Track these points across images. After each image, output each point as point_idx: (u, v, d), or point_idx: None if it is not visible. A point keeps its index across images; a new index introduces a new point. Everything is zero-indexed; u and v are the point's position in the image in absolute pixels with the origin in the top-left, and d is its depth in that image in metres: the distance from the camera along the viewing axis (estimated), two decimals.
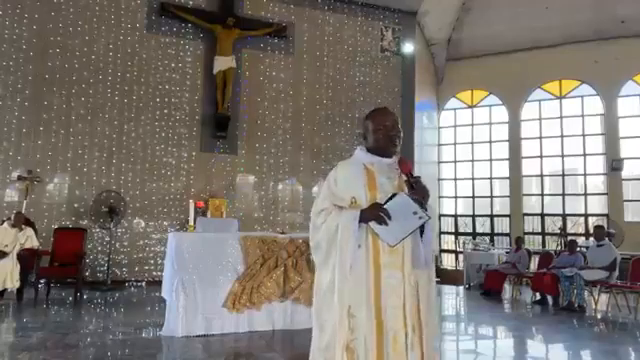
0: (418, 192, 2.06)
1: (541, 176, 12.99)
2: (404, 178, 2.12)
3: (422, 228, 2.13)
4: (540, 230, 12.79)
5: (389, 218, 2.02)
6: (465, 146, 13.92)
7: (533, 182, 13.40)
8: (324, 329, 2.16)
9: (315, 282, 2.25)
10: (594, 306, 7.53)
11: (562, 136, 12.75)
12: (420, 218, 2.03)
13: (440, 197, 14.08)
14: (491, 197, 13.53)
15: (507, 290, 9.37)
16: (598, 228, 8.35)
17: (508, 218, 13.09)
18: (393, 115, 2.27)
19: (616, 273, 7.54)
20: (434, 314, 2.23)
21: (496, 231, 13.26)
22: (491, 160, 13.54)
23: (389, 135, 2.22)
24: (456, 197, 13.99)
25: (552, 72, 12.65)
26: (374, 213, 2.05)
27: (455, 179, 14.00)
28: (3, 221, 7.33)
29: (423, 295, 2.14)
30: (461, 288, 10.37)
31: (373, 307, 2.05)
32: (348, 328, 2.06)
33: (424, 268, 2.15)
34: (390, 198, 2.06)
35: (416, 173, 2.21)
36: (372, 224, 2.06)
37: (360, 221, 2.08)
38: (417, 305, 2.12)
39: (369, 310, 2.05)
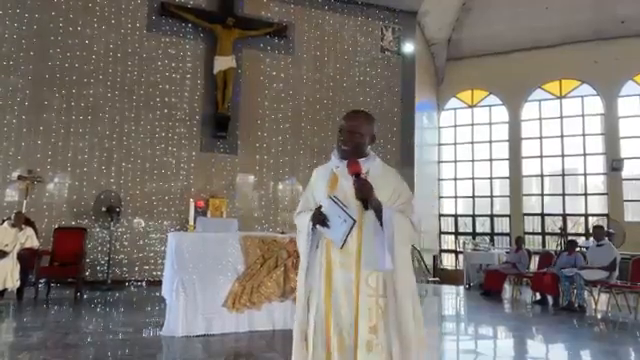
0: (358, 191, 2.08)
1: (541, 176, 13.00)
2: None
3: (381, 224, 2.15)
4: (540, 230, 12.80)
5: (328, 220, 2.11)
6: (465, 146, 13.93)
7: (533, 182, 13.41)
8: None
9: None
10: (594, 306, 7.52)
11: (562, 136, 12.76)
12: (344, 222, 2.06)
13: (440, 197, 14.09)
14: (491, 197, 13.53)
15: (507, 290, 9.37)
16: (598, 228, 8.35)
17: (508, 218, 13.10)
18: (353, 118, 2.27)
19: (616, 273, 7.54)
20: (414, 319, 2.13)
21: (496, 231, 13.26)
22: (491, 160, 13.55)
23: (340, 139, 2.26)
24: (456, 197, 13.99)
25: (552, 72, 12.66)
26: (315, 217, 2.16)
27: (455, 179, 14.01)
28: (3, 221, 7.33)
29: (393, 297, 2.10)
30: (461, 288, 10.37)
31: (323, 305, 2.12)
32: (306, 321, 2.19)
33: (384, 269, 2.09)
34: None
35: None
36: (318, 227, 2.16)
37: (313, 224, 2.19)
38: (384, 307, 2.10)
39: (320, 307, 2.13)
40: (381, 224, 2.10)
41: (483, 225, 13.53)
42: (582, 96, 12.68)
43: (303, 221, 2.26)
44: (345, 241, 2.09)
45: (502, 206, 13.44)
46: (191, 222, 6.20)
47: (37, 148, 8.86)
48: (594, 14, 11.75)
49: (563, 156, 12.77)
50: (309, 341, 2.15)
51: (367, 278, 2.10)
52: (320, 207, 2.16)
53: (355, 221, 2.06)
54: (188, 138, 9.84)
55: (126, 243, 9.19)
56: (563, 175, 12.85)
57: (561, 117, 12.81)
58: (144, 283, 9.01)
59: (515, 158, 13.10)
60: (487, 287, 9.06)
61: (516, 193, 13.03)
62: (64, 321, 5.86)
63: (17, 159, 8.73)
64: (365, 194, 2.07)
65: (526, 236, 12.32)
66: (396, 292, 2.11)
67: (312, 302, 2.19)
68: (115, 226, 8.91)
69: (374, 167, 2.22)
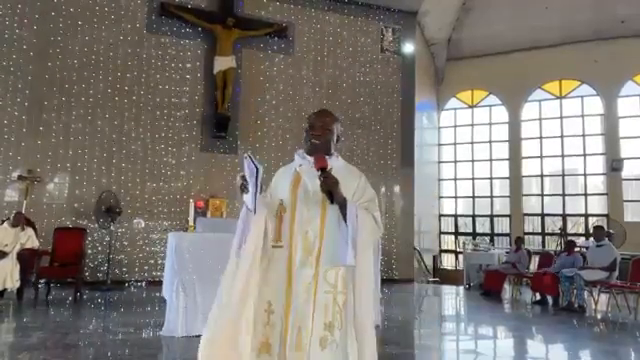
0: (324, 184, 2.04)
1: (541, 176, 13.00)
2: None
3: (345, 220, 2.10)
4: (540, 230, 12.80)
5: (247, 183, 2.09)
6: (465, 146, 13.93)
7: (533, 182, 13.41)
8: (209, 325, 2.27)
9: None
10: (594, 306, 7.53)
11: (562, 136, 12.76)
12: (254, 171, 2.04)
13: (440, 197, 14.09)
14: (491, 197, 13.54)
15: (507, 290, 9.37)
16: (598, 228, 8.35)
17: (508, 218, 13.10)
18: (324, 115, 2.31)
19: (616, 273, 7.54)
20: (368, 314, 2.10)
21: (496, 231, 13.27)
22: (491, 160, 13.55)
23: (310, 134, 2.27)
24: (456, 197, 14.00)
25: (552, 72, 12.66)
26: (236, 185, 2.14)
27: (455, 179, 14.01)
28: (3, 221, 7.33)
29: (352, 294, 2.08)
30: (461, 288, 10.38)
31: (284, 304, 2.07)
32: (267, 324, 2.09)
33: (346, 264, 2.04)
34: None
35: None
36: (244, 198, 2.13)
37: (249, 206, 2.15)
38: (342, 304, 2.06)
39: (281, 307, 2.08)
40: (344, 220, 2.06)
41: (483, 225, 13.53)
42: (582, 96, 12.68)
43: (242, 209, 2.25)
44: (255, 204, 2.07)
45: (502, 206, 13.45)
46: (191, 222, 6.19)
47: (37, 148, 8.86)
48: (594, 14, 11.75)
49: (563, 156, 12.78)
50: (273, 345, 2.07)
51: (325, 274, 2.06)
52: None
53: (258, 169, 2.04)
54: (188, 138, 9.84)
55: (126, 243, 9.19)
56: (563, 175, 12.86)
57: (561, 117, 12.81)
58: (144, 283, 9.01)
59: (515, 158, 13.10)
60: (487, 287, 9.07)
61: (516, 193, 13.03)
62: (64, 321, 5.86)
63: (17, 159, 8.73)
64: (330, 187, 2.04)
65: (526, 236, 12.32)
66: (355, 288, 2.08)
67: (276, 303, 2.10)
68: (115, 226, 8.91)
69: (338, 165, 2.22)
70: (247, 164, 2.08)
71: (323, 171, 2.07)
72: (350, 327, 2.04)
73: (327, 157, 2.18)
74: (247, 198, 2.11)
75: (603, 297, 7.84)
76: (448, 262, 13.72)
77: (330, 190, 2.04)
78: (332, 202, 2.07)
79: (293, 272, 2.08)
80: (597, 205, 12.45)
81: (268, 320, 2.09)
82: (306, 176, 2.19)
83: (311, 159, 2.19)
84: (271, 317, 2.09)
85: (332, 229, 2.09)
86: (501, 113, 13.55)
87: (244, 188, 2.10)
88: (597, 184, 12.68)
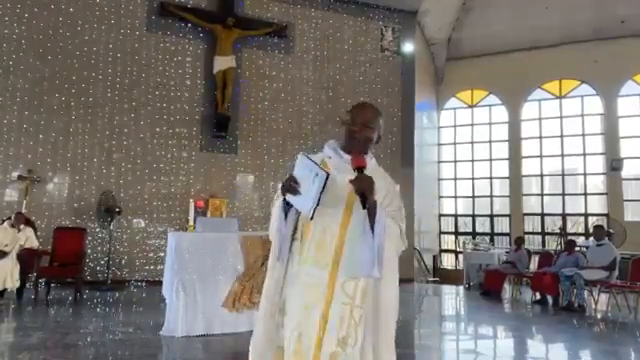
0: (358, 186, 1.83)
1: (541, 176, 13.00)
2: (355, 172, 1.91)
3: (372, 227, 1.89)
4: (540, 230, 12.80)
5: (298, 185, 1.84)
6: (465, 146, 13.93)
7: (533, 182, 13.41)
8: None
9: None
10: (594, 306, 7.53)
11: (562, 136, 12.76)
12: (317, 175, 1.80)
13: (440, 197, 14.09)
14: (491, 197, 13.53)
15: (507, 290, 9.37)
16: (598, 228, 8.36)
17: (508, 218, 13.09)
18: (370, 113, 2.07)
19: (616, 273, 7.55)
20: (391, 335, 1.95)
21: (496, 231, 13.26)
22: (491, 160, 13.55)
23: (354, 132, 2.04)
24: (456, 197, 13.99)
25: (552, 72, 12.66)
26: (284, 184, 1.88)
27: (455, 179, 14.01)
28: (3, 221, 7.33)
29: (372, 311, 1.90)
30: (461, 288, 10.38)
31: (297, 306, 1.91)
32: (281, 325, 1.93)
33: (370, 275, 1.86)
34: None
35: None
36: (289, 199, 1.89)
37: (285, 202, 1.93)
38: (358, 320, 1.86)
39: (291, 307, 1.93)
40: (371, 226, 1.87)
41: (483, 225, 13.53)
42: (582, 96, 12.68)
43: (275, 207, 2.01)
44: (315, 209, 1.81)
45: (502, 206, 13.44)
46: (191, 222, 6.21)
47: (37, 148, 8.85)
48: (594, 14, 11.75)
49: (563, 156, 12.77)
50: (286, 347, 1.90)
51: (344, 284, 1.86)
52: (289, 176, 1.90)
53: (329, 174, 1.81)
54: (188, 138, 9.84)
55: (126, 243, 9.19)
56: (563, 175, 12.86)
57: (561, 117, 12.81)
58: (144, 283, 9.01)
59: (515, 158, 13.10)
60: (487, 287, 9.06)
61: (516, 193, 13.03)
62: (64, 321, 5.86)
63: (17, 159, 8.72)
64: (365, 189, 1.82)
65: (526, 236, 12.31)
66: (379, 306, 1.91)
67: (290, 303, 1.93)
68: (115, 226, 8.90)
69: (371, 167, 2.01)
70: (303, 165, 1.87)
71: (360, 171, 1.88)
72: (368, 347, 1.87)
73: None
74: (298, 201, 1.87)
75: (603, 297, 7.84)
76: (448, 262, 13.71)
77: (364, 193, 1.83)
78: (364, 207, 1.84)
79: (303, 268, 1.92)
80: (597, 205, 12.45)
81: (279, 323, 1.96)
82: (335, 169, 1.97)
83: (346, 156, 2.00)
84: (285, 320, 1.94)
85: (355, 233, 1.89)
86: (501, 113, 13.55)
87: (293, 190, 1.85)
88: (597, 184, 12.68)
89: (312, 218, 1.85)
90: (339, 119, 2.16)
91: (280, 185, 1.96)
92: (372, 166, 2.04)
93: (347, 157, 2.00)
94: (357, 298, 1.87)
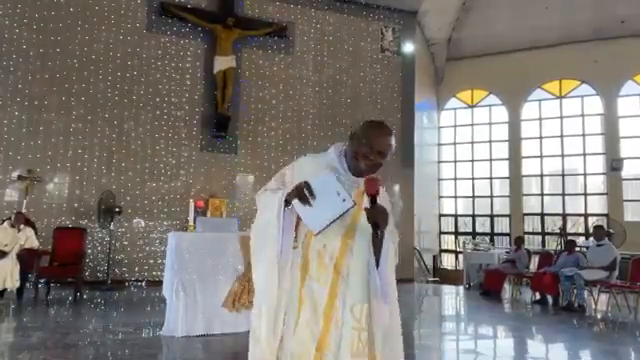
0: (373, 213, 1.75)
1: (541, 176, 13.00)
2: (367, 199, 1.80)
3: (377, 261, 1.84)
4: (540, 230, 12.80)
5: (313, 197, 1.74)
6: (465, 146, 13.93)
7: (533, 182, 13.41)
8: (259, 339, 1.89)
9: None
10: (594, 306, 7.53)
11: (562, 136, 12.76)
12: (344, 201, 1.73)
13: (440, 197, 14.09)
14: (491, 197, 13.53)
15: (507, 290, 9.37)
16: (598, 228, 8.35)
17: (508, 218, 13.10)
18: (388, 140, 1.89)
19: (616, 273, 7.55)
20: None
21: (496, 231, 13.26)
22: (491, 160, 13.55)
23: (369, 159, 1.87)
24: (456, 197, 13.99)
25: (552, 72, 12.66)
26: (298, 189, 1.76)
27: (455, 179, 14.01)
28: (3, 221, 7.33)
29: (379, 332, 1.86)
30: (461, 288, 10.38)
31: (295, 316, 1.84)
32: (279, 336, 1.85)
33: (381, 302, 1.85)
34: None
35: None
36: (295, 204, 1.78)
37: (287, 202, 1.81)
38: (365, 343, 1.82)
39: (292, 319, 1.84)
40: (376, 252, 1.83)
41: (483, 225, 13.53)
42: (582, 96, 12.68)
43: (273, 198, 1.87)
44: (325, 228, 1.76)
45: (502, 206, 13.44)
46: (191, 222, 6.20)
47: (37, 148, 8.86)
48: (594, 14, 11.75)
49: (563, 156, 12.78)
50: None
51: (352, 307, 1.82)
52: (303, 181, 1.78)
53: (354, 205, 1.75)
54: (188, 138, 9.84)
55: (126, 243, 9.19)
56: (563, 175, 12.86)
57: (561, 117, 12.81)
58: (144, 283, 9.01)
59: (515, 158, 13.10)
60: (487, 287, 9.06)
61: (516, 193, 13.03)
62: (64, 321, 5.86)
63: (17, 159, 8.73)
64: (382, 222, 1.76)
65: (526, 236, 12.31)
66: (391, 330, 1.89)
67: (290, 315, 1.84)
68: (115, 226, 8.90)
69: (381, 193, 1.90)
70: (329, 182, 1.77)
71: (374, 199, 1.77)
72: None
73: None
74: (305, 213, 1.77)
75: (603, 297, 7.84)
76: (448, 262, 13.71)
77: (378, 224, 1.75)
78: (377, 235, 1.78)
79: (306, 282, 1.85)
80: (597, 205, 12.45)
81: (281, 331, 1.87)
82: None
83: (353, 177, 1.91)
84: (283, 330, 1.87)
85: (358, 257, 1.85)
86: (501, 113, 13.55)
87: (305, 200, 1.75)
88: (597, 184, 12.68)
89: (316, 235, 1.80)
90: (351, 133, 1.98)
91: (292, 174, 1.90)
92: (382, 192, 1.89)
93: (354, 178, 1.91)
94: (363, 321, 1.83)
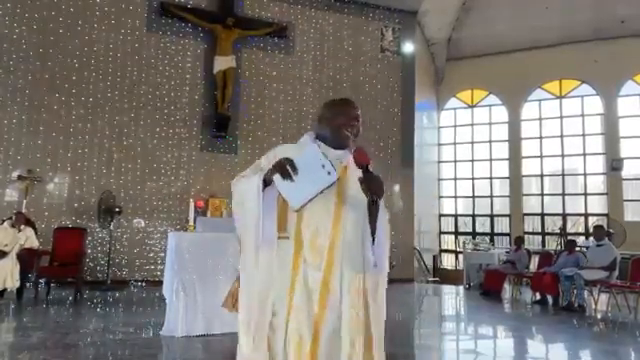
0: (369, 183, 1.74)
1: (541, 176, 13.00)
2: (360, 170, 1.79)
3: (372, 228, 1.83)
4: (540, 230, 12.80)
5: (295, 171, 1.72)
6: (465, 146, 13.93)
7: (533, 182, 13.41)
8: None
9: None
10: (594, 306, 7.53)
11: (562, 136, 12.76)
12: (329, 174, 1.71)
13: (440, 197, 14.09)
14: (491, 197, 13.54)
15: (507, 290, 9.37)
16: (598, 228, 8.35)
17: (508, 218, 13.10)
18: (357, 108, 2.02)
19: (616, 273, 7.54)
20: (380, 329, 1.91)
21: (496, 231, 13.26)
22: (491, 160, 13.55)
23: (350, 125, 1.95)
24: (456, 197, 14.00)
25: (552, 72, 12.66)
26: (279, 164, 1.75)
27: (455, 179, 14.02)
28: (3, 221, 7.33)
29: (374, 305, 1.87)
30: (461, 288, 10.38)
31: (287, 306, 1.82)
32: (269, 328, 1.82)
33: (373, 271, 1.85)
34: None
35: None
36: (276, 179, 1.75)
37: (266, 183, 1.79)
38: (363, 319, 1.84)
39: (284, 310, 1.82)
40: (371, 222, 1.83)
41: (483, 225, 13.53)
42: (582, 96, 12.68)
43: (250, 182, 1.84)
44: (308, 202, 1.74)
45: (502, 206, 13.45)
46: (191, 222, 6.19)
47: (37, 148, 8.86)
48: (594, 14, 11.75)
49: (563, 156, 12.78)
50: (275, 347, 1.81)
51: (350, 285, 1.82)
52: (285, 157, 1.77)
53: (335, 182, 1.74)
54: (188, 138, 9.84)
55: (126, 243, 9.19)
56: (563, 175, 12.86)
57: (561, 117, 12.81)
58: (144, 283, 9.02)
59: (515, 158, 13.10)
60: (487, 287, 9.06)
61: (516, 193, 13.03)
62: (64, 321, 5.86)
63: (17, 159, 8.73)
64: (379, 190, 1.74)
65: (526, 236, 12.32)
66: (376, 301, 1.88)
67: (280, 305, 1.82)
68: (115, 226, 8.90)
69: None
70: (313, 155, 1.75)
71: (366, 169, 1.77)
72: (377, 347, 1.87)
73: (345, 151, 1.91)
74: (286, 188, 1.74)
75: (603, 297, 7.84)
76: (448, 262, 13.72)
77: (376, 192, 1.74)
78: (374, 203, 1.77)
79: (299, 270, 1.82)
80: (597, 205, 12.45)
81: (271, 324, 1.83)
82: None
83: (335, 151, 1.93)
84: (273, 320, 1.83)
85: (351, 233, 1.85)
86: (501, 113, 13.55)
87: (287, 175, 1.73)
88: (597, 184, 12.68)
89: (297, 211, 1.79)
90: (318, 118, 2.08)
91: (268, 162, 1.86)
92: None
93: (336, 152, 1.93)
94: (361, 299, 1.84)
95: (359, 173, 1.80)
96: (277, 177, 1.75)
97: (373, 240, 1.84)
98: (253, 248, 1.83)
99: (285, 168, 1.73)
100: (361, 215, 1.84)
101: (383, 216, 1.87)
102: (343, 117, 1.96)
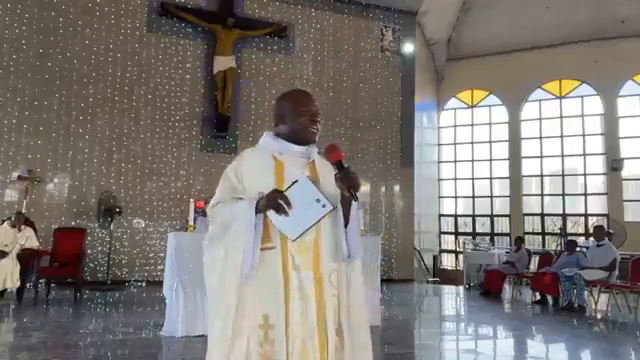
0: (346, 180, 1.73)
1: (541, 176, 13.00)
2: (333, 167, 1.81)
3: (346, 219, 1.85)
4: (540, 230, 12.79)
5: (289, 206, 1.71)
6: (465, 146, 13.93)
7: (533, 182, 13.41)
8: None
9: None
10: (594, 306, 7.53)
11: (562, 136, 12.76)
12: (324, 207, 1.73)
13: (440, 197, 14.09)
14: (491, 197, 13.53)
15: (507, 290, 9.37)
16: (598, 228, 8.35)
17: (508, 218, 13.09)
18: (313, 99, 2.03)
19: (616, 273, 7.55)
20: (361, 314, 1.91)
21: (496, 231, 13.26)
22: (491, 160, 13.55)
23: (312, 120, 1.96)
24: (456, 197, 13.99)
25: (552, 72, 12.66)
26: (272, 200, 1.72)
27: (455, 179, 14.01)
28: (3, 221, 7.33)
29: (345, 291, 1.87)
30: (461, 288, 10.38)
31: (284, 314, 1.76)
32: (266, 341, 1.75)
33: (347, 261, 1.86)
34: (292, 184, 1.76)
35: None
36: (270, 214, 1.75)
37: (258, 212, 1.77)
38: (344, 306, 1.85)
39: (282, 319, 1.76)
40: (345, 214, 1.84)
41: (483, 225, 13.53)
42: (582, 96, 12.68)
43: (234, 209, 1.83)
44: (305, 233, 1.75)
45: (502, 206, 13.44)
46: (191, 222, 6.19)
47: (37, 148, 8.86)
48: (594, 14, 11.74)
49: (563, 156, 12.77)
50: None
51: (330, 276, 1.82)
52: (276, 190, 1.76)
53: (335, 207, 1.76)
54: (188, 138, 9.84)
55: (126, 243, 9.19)
56: (563, 175, 12.86)
57: (561, 117, 12.80)
58: (144, 283, 9.02)
59: (515, 158, 13.10)
60: (487, 287, 9.06)
61: (516, 193, 13.03)
62: (64, 321, 5.86)
63: (17, 159, 8.73)
64: (357, 184, 1.74)
65: (526, 236, 12.31)
66: (355, 287, 1.90)
67: (275, 315, 1.76)
68: (115, 226, 8.90)
69: (318, 156, 2.00)
70: (306, 189, 1.75)
71: (340, 164, 1.78)
72: (355, 331, 1.87)
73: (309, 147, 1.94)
74: (281, 222, 1.75)
75: (603, 297, 7.84)
76: (448, 262, 13.71)
77: (354, 187, 1.74)
78: (353, 198, 1.77)
79: (291, 276, 1.78)
80: (597, 205, 12.45)
81: (266, 337, 1.75)
82: (292, 167, 1.90)
83: (298, 147, 1.95)
84: (270, 333, 1.76)
85: (330, 225, 1.84)
86: (501, 113, 13.55)
87: (282, 210, 1.71)
88: (597, 184, 12.67)
89: (294, 240, 1.76)
90: (277, 115, 2.08)
91: (237, 189, 1.90)
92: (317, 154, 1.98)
93: (299, 149, 1.95)
94: (341, 286, 1.85)
95: (328, 165, 1.84)
96: (271, 213, 1.74)
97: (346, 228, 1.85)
98: (246, 270, 1.76)
99: (279, 204, 1.71)
100: (336, 211, 1.83)
101: (354, 205, 1.87)
102: (307, 115, 1.97)
